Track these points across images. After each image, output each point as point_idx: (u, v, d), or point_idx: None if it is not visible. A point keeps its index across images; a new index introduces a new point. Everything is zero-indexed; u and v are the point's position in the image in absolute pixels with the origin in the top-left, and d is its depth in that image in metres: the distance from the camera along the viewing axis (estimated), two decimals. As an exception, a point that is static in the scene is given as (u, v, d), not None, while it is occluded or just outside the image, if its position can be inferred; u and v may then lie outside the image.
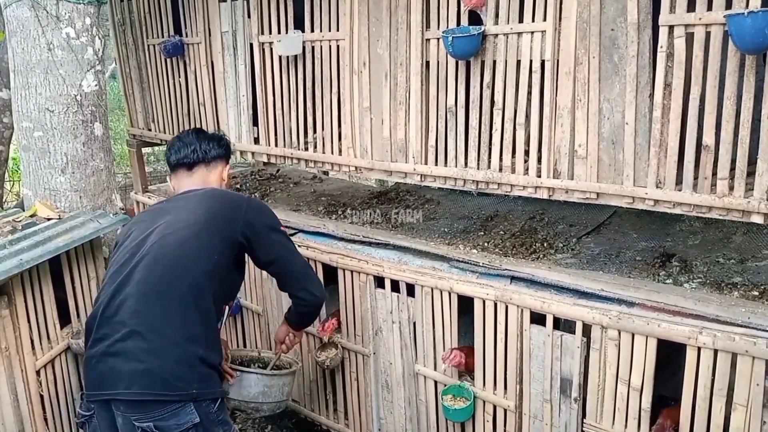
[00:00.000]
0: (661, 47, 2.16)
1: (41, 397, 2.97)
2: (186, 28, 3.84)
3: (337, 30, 3.12)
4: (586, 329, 2.45)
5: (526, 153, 2.61)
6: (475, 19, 2.64)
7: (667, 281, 2.56)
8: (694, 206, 2.20)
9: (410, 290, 3.02)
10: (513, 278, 2.70)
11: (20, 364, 2.82)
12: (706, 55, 2.07)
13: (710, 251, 2.83)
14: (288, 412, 3.86)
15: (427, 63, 2.84)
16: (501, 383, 2.77)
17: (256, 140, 3.67)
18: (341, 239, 3.35)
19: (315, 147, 3.37)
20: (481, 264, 2.80)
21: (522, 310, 2.61)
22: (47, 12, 3.25)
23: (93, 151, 3.49)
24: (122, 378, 2.24)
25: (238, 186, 4.60)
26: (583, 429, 2.53)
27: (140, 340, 2.25)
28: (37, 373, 2.94)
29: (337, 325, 3.40)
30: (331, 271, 3.37)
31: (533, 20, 2.46)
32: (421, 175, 2.96)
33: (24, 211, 3.40)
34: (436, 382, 3.01)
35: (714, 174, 2.14)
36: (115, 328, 2.29)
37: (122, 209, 3.84)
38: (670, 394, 2.46)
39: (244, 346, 3.94)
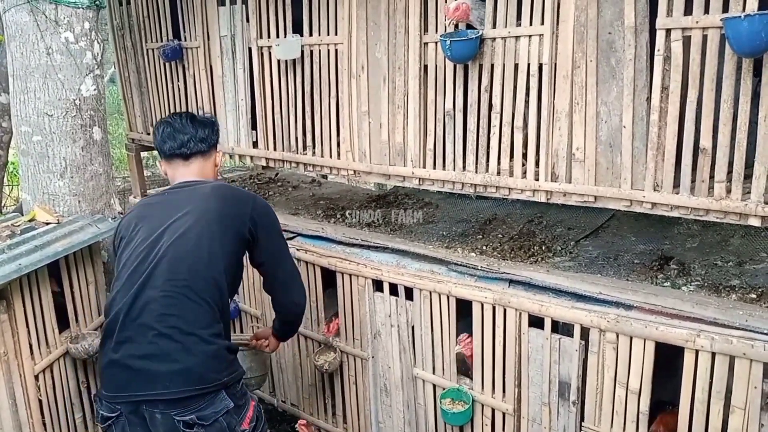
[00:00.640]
0: (659, 51, 2.17)
1: (40, 402, 2.97)
2: (185, 32, 3.85)
3: (336, 34, 3.12)
4: (585, 332, 2.46)
5: (524, 156, 2.61)
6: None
7: (665, 284, 2.56)
8: (692, 209, 2.21)
9: (409, 294, 3.02)
10: (511, 281, 2.71)
11: (19, 369, 2.81)
12: (703, 59, 2.08)
13: (708, 254, 2.83)
14: (287, 416, 3.86)
15: (426, 67, 2.85)
16: (499, 386, 2.77)
17: (255, 144, 3.68)
18: (340, 243, 3.35)
19: (314, 152, 3.38)
20: (479, 267, 2.80)
21: (520, 314, 2.61)
22: (46, 16, 3.25)
23: (92, 155, 3.48)
24: (159, 379, 2.31)
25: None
26: (582, 432, 2.54)
27: (171, 341, 2.33)
28: (36, 378, 2.93)
29: (337, 329, 3.40)
30: (329, 275, 3.37)
31: (531, 24, 2.47)
32: (420, 178, 2.96)
33: (23, 215, 3.39)
34: (434, 386, 3.01)
35: (711, 177, 2.15)
36: (141, 331, 2.34)
37: (121, 213, 3.84)
38: (669, 397, 2.46)
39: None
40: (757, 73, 2.00)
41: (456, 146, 2.79)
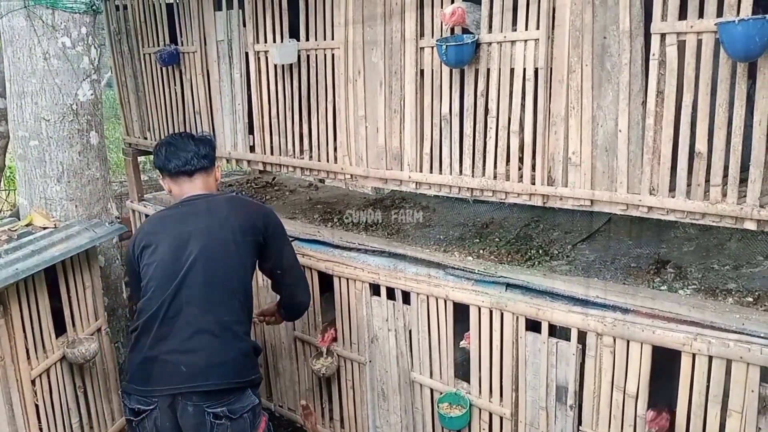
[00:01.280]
0: (653, 55, 2.17)
1: (36, 407, 2.96)
2: (181, 37, 3.85)
3: (332, 39, 3.13)
4: (582, 336, 2.46)
5: (521, 160, 2.62)
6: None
7: (662, 288, 2.56)
8: (688, 213, 2.21)
9: (406, 298, 3.02)
10: (508, 285, 2.71)
11: (15, 373, 2.81)
12: (698, 63, 2.08)
13: (705, 258, 2.84)
14: (284, 421, 3.85)
15: (422, 71, 2.85)
16: (497, 391, 2.77)
17: (252, 148, 3.68)
18: (337, 247, 3.35)
19: (310, 156, 3.39)
20: (476, 271, 2.80)
21: (517, 318, 2.61)
22: (43, 21, 3.25)
23: (89, 160, 3.48)
24: (198, 372, 2.47)
25: (234, 193, 4.59)
26: (579, 436, 2.54)
27: (211, 337, 2.51)
28: (33, 382, 2.93)
29: (335, 335, 3.40)
30: (326, 279, 3.37)
31: (526, 29, 2.47)
32: (416, 182, 2.96)
33: (20, 220, 3.39)
34: (432, 390, 3.01)
35: (707, 181, 2.15)
36: (181, 327, 2.51)
37: (118, 218, 3.84)
38: (666, 401, 2.46)
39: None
40: (751, 77, 2.01)
41: (452, 150, 2.79)
